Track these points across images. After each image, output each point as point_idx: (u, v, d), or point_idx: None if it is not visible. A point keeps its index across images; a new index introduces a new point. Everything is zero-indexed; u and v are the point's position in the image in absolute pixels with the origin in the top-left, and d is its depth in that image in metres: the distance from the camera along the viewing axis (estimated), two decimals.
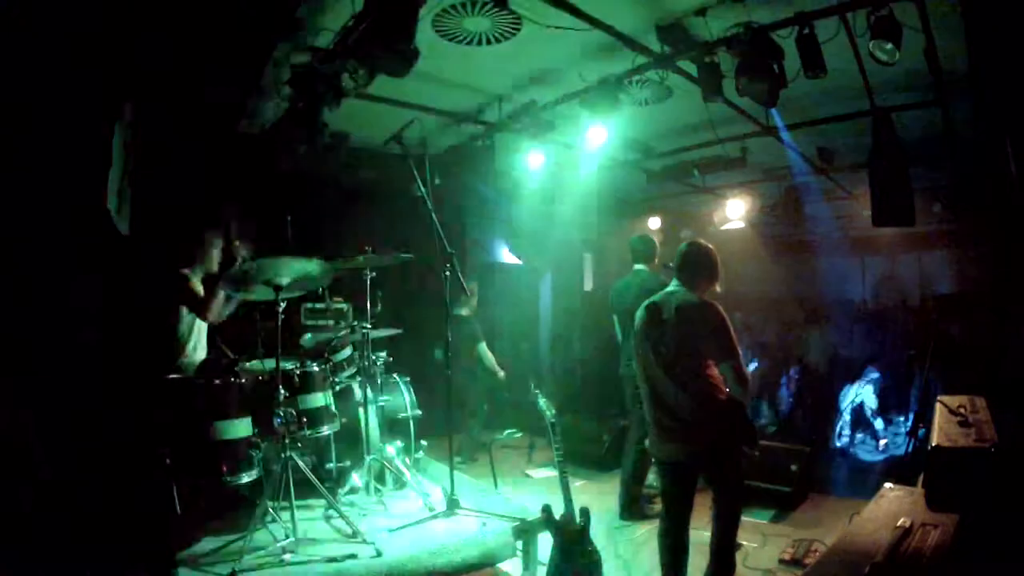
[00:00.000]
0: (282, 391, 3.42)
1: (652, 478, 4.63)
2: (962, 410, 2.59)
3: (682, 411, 2.97)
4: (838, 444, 6.59)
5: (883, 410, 7.07)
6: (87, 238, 3.83)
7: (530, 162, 5.82)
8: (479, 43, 3.96)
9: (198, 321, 3.84)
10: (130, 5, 3.23)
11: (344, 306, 4.97)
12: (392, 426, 4.36)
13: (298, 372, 3.71)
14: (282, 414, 3.36)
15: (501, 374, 6.12)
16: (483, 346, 6.05)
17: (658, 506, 3.91)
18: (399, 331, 4.46)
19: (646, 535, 4.07)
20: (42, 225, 3.70)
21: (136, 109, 3.87)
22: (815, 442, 5.44)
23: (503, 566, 3.43)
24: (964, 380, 5.92)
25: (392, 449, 4.17)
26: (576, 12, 3.50)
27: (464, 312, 5.90)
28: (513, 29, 3.79)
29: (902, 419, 7.42)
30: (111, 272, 3.90)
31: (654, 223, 8.62)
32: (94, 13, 3.19)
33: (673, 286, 3.20)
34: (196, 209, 4.48)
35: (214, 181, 4.82)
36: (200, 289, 3.81)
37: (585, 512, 2.97)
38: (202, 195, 4.66)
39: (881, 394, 7.15)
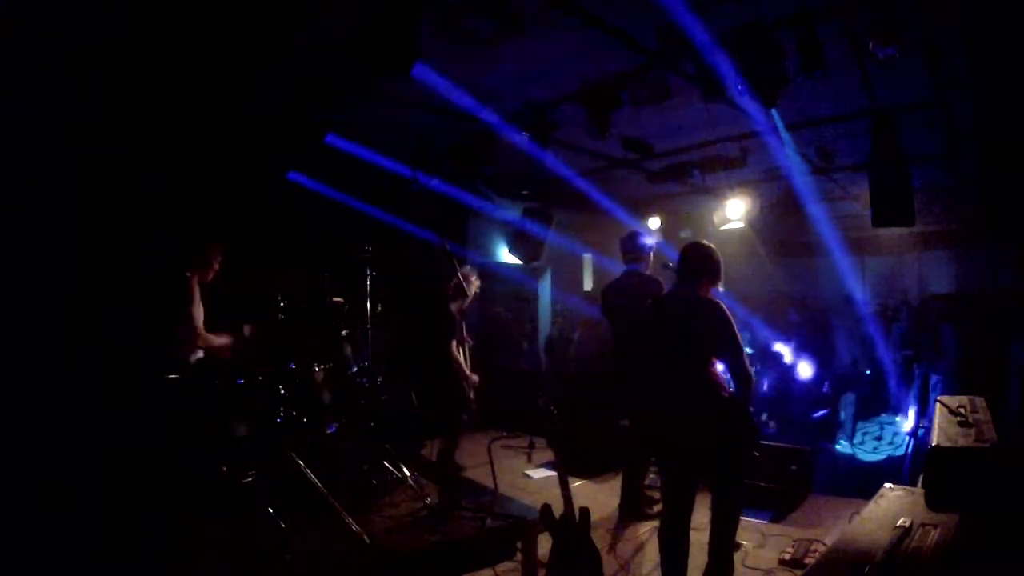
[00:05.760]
0: (283, 391, 3.42)
1: (652, 478, 4.63)
2: (962, 410, 2.58)
3: (684, 409, 2.97)
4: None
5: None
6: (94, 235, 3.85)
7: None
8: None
9: (196, 322, 3.84)
10: None
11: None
12: (392, 425, 4.36)
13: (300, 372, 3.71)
14: (283, 414, 3.36)
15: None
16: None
17: (658, 506, 3.91)
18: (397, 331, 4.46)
19: (646, 535, 4.06)
20: (47, 226, 3.72)
21: None
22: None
23: (503, 566, 3.43)
24: (964, 380, 5.95)
25: None
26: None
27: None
28: None
29: (900, 419, 7.44)
30: (116, 272, 3.91)
31: (654, 223, 8.61)
32: None
33: (675, 286, 3.19)
34: (204, 217, 4.50)
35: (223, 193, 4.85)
36: (197, 295, 3.80)
37: (585, 512, 2.96)
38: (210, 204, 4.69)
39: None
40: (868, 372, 7.66)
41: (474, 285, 4.60)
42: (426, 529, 3.45)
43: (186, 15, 3.40)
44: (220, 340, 3.76)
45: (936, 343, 6.91)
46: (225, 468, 3.38)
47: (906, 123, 5.02)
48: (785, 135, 5.53)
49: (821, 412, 6.90)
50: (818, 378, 7.44)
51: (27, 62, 3.52)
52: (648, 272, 4.46)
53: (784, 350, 7.49)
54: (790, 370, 7.42)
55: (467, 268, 4.51)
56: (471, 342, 5.52)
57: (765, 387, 7.14)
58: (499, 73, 4.50)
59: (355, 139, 5.57)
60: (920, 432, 4.90)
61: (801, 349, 7.66)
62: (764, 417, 6.66)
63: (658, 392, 3.07)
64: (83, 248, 4.10)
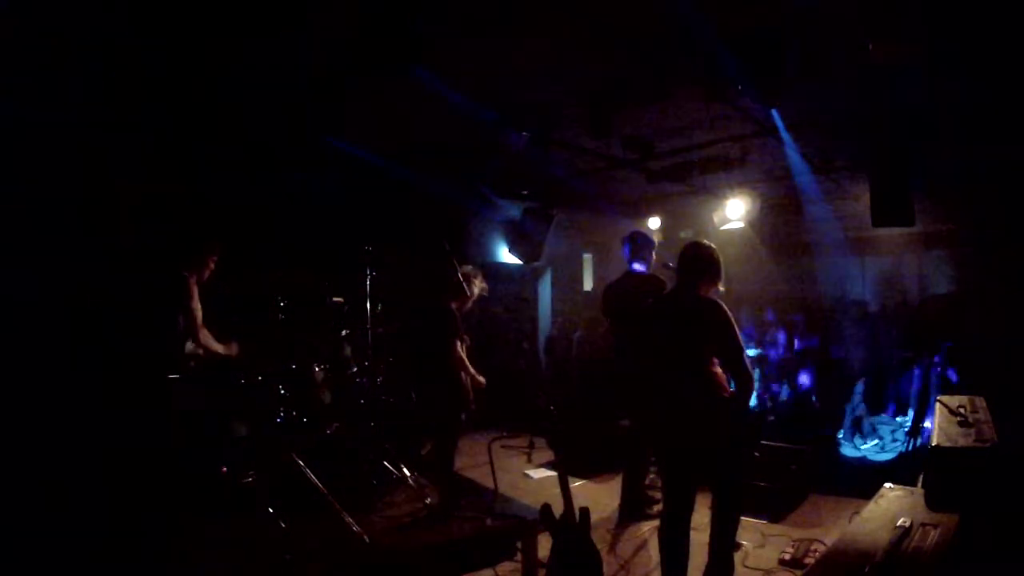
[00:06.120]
0: (283, 391, 3.42)
1: (652, 478, 4.62)
2: (962, 410, 2.58)
3: (684, 409, 2.97)
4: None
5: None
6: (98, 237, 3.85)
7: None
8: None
9: (197, 320, 3.84)
10: None
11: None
12: (392, 425, 4.36)
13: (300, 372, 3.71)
14: (283, 414, 3.36)
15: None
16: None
17: (658, 506, 3.92)
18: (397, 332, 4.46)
19: (646, 535, 4.06)
20: (47, 226, 3.72)
21: None
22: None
23: (503, 566, 3.43)
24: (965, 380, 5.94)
25: None
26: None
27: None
28: None
29: (900, 419, 7.44)
30: (116, 271, 3.91)
31: (654, 223, 8.62)
32: None
33: (676, 285, 3.19)
34: (204, 217, 4.51)
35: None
36: (195, 294, 3.80)
37: (585, 512, 2.97)
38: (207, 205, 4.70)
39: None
40: (868, 373, 7.65)
41: (478, 287, 4.61)
42: (426, 529, 3.45)
43: (186, 15, 3.40)
44: (218, 346, 3.74)
45: (935, 343, 6.90)
46: (225, 468, 3.39)
47: (906, 123, 5.02)
48: (785, 135, 5.53)
49: (819, 411, 6.92)
50: (819, 378, 7.45)
51: (27, 62, 3.52)
52: (649, 272, 4.46)
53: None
54: (795, 372, 7.44)
55: (471, 270, 4.51)
56: (468, 342, 5.52)
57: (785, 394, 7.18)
58: (499, 73, 4.50)
59: (355, 139, 5.57)
60: (920, 432, 4.90)
61: (802, 350, 7.68)
62: (771, 419, 6.67)
63: (658, 392, 3.07)
64: (83, 248, 4.10)
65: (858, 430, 6.92)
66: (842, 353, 8.12)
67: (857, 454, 6.27)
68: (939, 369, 6.36)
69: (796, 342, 8.00)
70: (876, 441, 6.72)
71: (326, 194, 5.99)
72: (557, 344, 8.89)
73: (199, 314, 3.72)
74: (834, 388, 7.30)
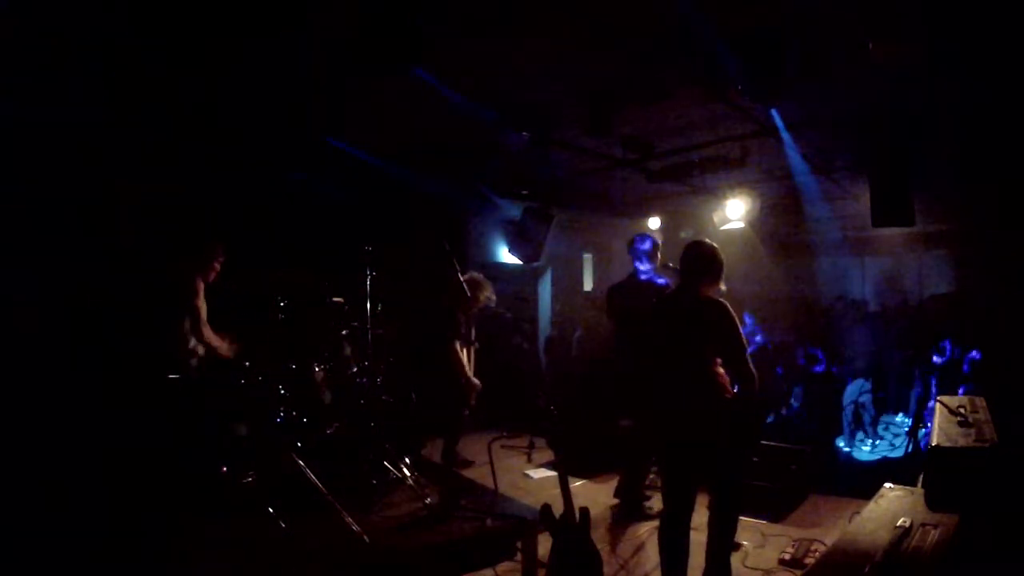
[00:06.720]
0: (283, 391, 3.42)
1: (652, 478, 4.63)
2: (962, 410, 2.58)
3: (685, 409, 2.97)
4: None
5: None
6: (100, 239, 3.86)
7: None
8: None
9: (202, 316, 3.85)
10: None
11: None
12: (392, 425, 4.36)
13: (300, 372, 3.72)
14: (283, 414, 3.36)
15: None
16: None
17: (658, 506, 3.92)
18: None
19: (646, 535, 4.06)
20: (47, 226, 3.72)
21: None
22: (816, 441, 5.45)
23: (503, 566, 3.43)
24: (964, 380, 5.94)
25: None
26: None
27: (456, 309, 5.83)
28: None
29: (899, 419, 7.44)
30: (117, 271, 3.92)
31: (654, 223, 8.62)
32: None
33: (678, 285, 3.19)
34: (205, 217, 4.51)
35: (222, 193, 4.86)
36: (201, 291, 3.81)
37: (585, 512, 2.96)
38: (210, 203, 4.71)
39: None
40: (868, 373, 7.66)
41: (484, 295, 4.58)
42: (426, 529, 3.44)
43: (186, 15, 3.40)
44: (222, 343, 3.76)
45: (935, 343, 6.91)
46: (225, 468, 3.39)
47: (906, 123, 5.02)
48: (785, 135, 5.54)
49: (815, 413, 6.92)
50: (820, 379, 7.44)
51: (27, 62, 3.52)
52: (655, 273, 4.47)
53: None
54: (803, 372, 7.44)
55: (481, 278, 4.49)
56: (477, 346, 5.51)
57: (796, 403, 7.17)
58: (499, 73, 4.50)
59: (355, 139, 5.57)
60: (920, 432, 4.90)
61: (806, 350, 7.68)
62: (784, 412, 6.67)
63: (660, 392, 3.07)
64: (83, 248, 4.10)
65: (860, 431, 6.91)
66: (843, 353, 8.11)
67: (872, 456, 6.27)
68: (939, 362, 6.36)
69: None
70: (879, 442, 6.71)
71: (326, 194, 5.98)
72: (557, 344, 8.89)
73: (203, 312, 3.73)
74: (836, 389, 7.30)
